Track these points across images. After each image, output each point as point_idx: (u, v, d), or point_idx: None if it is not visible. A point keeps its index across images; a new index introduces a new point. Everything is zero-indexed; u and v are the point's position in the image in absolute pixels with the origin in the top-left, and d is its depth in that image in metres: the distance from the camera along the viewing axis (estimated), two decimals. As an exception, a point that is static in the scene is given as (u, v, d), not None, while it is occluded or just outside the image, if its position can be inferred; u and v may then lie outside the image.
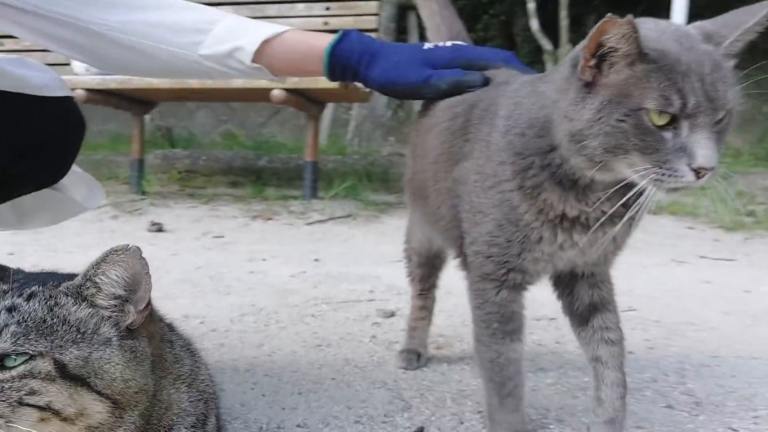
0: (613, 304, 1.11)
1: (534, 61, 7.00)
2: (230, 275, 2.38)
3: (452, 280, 1.50)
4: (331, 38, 1.21)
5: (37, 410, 0.65)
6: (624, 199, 0.88)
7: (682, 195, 0.87)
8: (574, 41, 7.12)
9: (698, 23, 0.91)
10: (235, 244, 3.07)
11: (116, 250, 0.70)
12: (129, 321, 0.72)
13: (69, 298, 0.71)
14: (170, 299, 2.00)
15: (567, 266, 1.07)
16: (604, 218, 0.95)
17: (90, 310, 0.71)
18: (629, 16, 0.81)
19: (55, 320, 0.68)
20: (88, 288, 0.71)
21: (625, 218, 0.92)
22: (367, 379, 1.39)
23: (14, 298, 0.69)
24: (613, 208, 0.93)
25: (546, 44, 7.10)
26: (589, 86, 0.87)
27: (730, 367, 1.50)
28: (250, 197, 4.14)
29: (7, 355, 0.65)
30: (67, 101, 1.24)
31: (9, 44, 4.10)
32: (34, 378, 0.65)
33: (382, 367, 1.47)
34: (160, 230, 3.31)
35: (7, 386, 0.64)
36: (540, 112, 0.95)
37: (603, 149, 0.85)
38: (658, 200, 0.86)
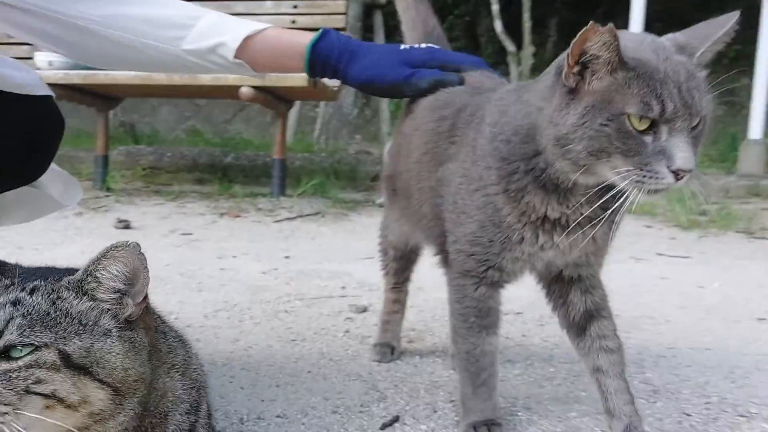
0: (608, 310, 1.14)
1: (498, 62, 7.12)
2: (201, 272, 2.38)
3: (424, 276, 1.55)
4: (311, 36, 1.25)
5: (43, 398, 0.68)
6: (601, 200, 0.93)
7: (661, 197, 0.91)
8: (536, 43, 7.27)
9: (670, 35, 0.96)
10: (204, 241, 3.05)
11: (117, 247, 0.73)
12: (128, 313, 0.75)
13: (71, 292, 0.74)
14: (142, 296, 2.00)
15: (547, 267, 1.11)
16: (580, 218, 0.99)
17: (91, 303, 0.74)
18: (610, 25, 0.85)
19: (58, 313, 0.71)
20: (89, 282, 0.74)
21: (605, 219, 0.96)
22: (343, 371, 1.43)
23: (18, 292, 0.72)
24: (591, 209, 0.97)
25: (509, 45, 7.23)
26: (572, 93, 0.91)
27: (685, 357, 1.58)
28: (217, 194, 4.12)
29: (13, 346, 0.68)
30: (47, 100, 1.25)
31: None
32: (40, 368, 0.68)
33: (357, 360, 1.51)
34: (127, 227, 3.28)
35: (14, 376, 0.67)
36: (525, 120, 0.99)
37: (587, 152, 0.89)
38: (637, 202, 0.90)
